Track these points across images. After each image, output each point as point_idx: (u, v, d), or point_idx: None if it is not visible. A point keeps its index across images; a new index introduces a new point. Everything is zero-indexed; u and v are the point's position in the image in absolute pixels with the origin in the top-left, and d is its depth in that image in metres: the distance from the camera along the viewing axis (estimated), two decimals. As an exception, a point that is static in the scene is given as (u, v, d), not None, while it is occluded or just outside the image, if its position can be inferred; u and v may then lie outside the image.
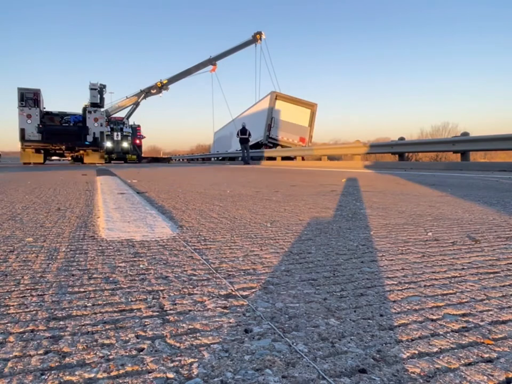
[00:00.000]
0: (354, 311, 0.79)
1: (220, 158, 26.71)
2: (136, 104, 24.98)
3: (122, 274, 1.04)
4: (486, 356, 0.62)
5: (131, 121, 26.29)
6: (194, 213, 2.15)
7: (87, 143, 18.29)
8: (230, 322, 0.74)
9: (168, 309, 0.80)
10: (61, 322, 0.74)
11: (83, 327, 0.72)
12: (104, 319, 0.75)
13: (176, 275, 1.03)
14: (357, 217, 2.01)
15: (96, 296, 0.87)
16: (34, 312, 0.78)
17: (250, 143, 23.52)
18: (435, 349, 0.64)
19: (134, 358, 0.61)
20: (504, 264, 1.13)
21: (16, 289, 0.92)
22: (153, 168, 11.21)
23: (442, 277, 1.02)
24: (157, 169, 10.21)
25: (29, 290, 0.90)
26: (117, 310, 0.80)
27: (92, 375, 0.56)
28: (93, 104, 18.83)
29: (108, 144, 22.37)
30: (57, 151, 18.80)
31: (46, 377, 0.56)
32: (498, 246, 1.37)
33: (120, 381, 0.55)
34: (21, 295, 0.87)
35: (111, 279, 0.99)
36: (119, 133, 24.81)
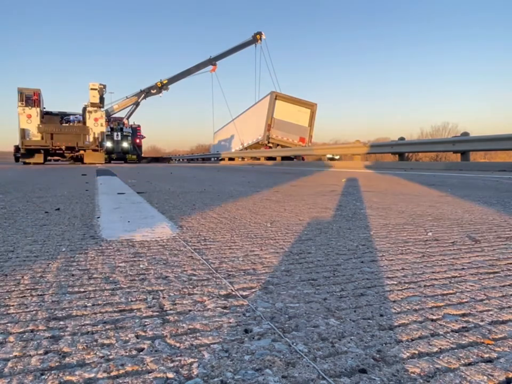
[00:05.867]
0: (354, 311, 0.79)
1: (220, 158, 26.73)
2: (136, 104, 24.99)
3: (122, 274, 1.04)
4: (486, 355, 0.62)
5: (131, 121, 26.31)
6: (194, 213, 2.15)
7: (87, 143, 18.30)
8: (230, 322, 0.74)
9: (168, 309, 0.80)
10: (61, 322, 0.74)
11: (83, 327, 0.72)
12: (104, 319, 0.75)
13: (176, 275, 1.03)
14: (357, 217, 2.01)
15: (96, 296, 0.87)
16: (34, 312, 0.78)
17: (249, 144, 23.50)
18: (435, 349, 0.64)
19: (134, 358, 0.61)
20: (504, 264, 1.13)
21: (16, 289, 0.92)
22: (153, 168, 11.21)
23: (442, 277, 1.02)
24: (157, 169, 10.21)
25: (29, 290, 0.90)
26: (117, 310, 0.80)
27: (92, 375, 0.56)
28: (93, 104, 18.84)
29: (108, 144, 22.37)
30: (57, 151, 18.80)
31: (46, 377, 0.56)
32: (498, 246, 1.37)
33: (120, 381, 0.55)
34: (21, 295, 0.87)
35: (111, 279, 0.99)
36: (119, 133, 24.82)
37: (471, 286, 0.95)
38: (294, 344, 0.65)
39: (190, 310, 0.80)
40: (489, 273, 1.05)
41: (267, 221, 1.89)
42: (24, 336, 0.68)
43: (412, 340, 0.67)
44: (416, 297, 0.87)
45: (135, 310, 0.80)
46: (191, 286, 0.94)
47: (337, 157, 15.79)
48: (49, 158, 19.47)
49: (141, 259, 1.18)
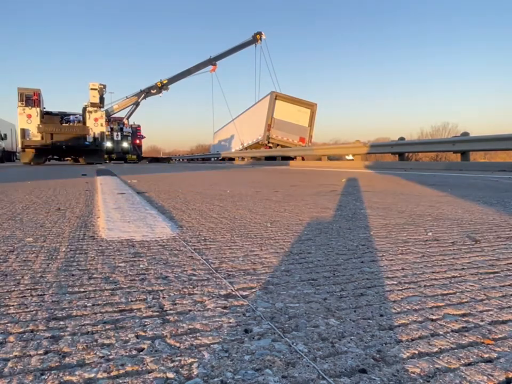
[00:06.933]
0: (354, 311, 0.79)
1: (220, 158, 26.74)
2: (136, 104, 24.98)
3: (122, 274, 1.04)
4: (486, 355, 0.62)
5: (131, 121, 26.31)
6: (194, 213, 2.15)
7: (87, 143, 18.30)
8: (230, 322, 0.74)
9: (168, 309, 0.80)
10: (61, 322, 0.74)
11: (83, 327, 0.72)
12: (104, 319, 0.75)
13: (176, 275, 1.03)
14: (357, 217, 2.01)
15: (96, 296, 0.87)
16: (34, 312, 0.78)
17: (249, 144, 23.50)
18: (435, 349, 0.64)
19: (134, 358, 0.61)
20: (504, 264, 1.13)
21: (16, 289, 0.92)
22: (153, 168, 11.21)
23: (442, 277, 1.02)
24: (156, 169, 10.21)
25: (29, 290, 0.90)
26: (117, 310, 0.80)
27: (92, 375, 0.56)
28: (93, 104, 18.83)
29: (108, 144, 22.39)
30: (57, 151, 18.80)
31: (46, 377, 0.56)
32: (498, 246, 1.37)
33: (120, 381, 0.55)
34: (21, 295, 0.87)
35: (111, 279, 0.99)
36: (119, 133, 24.84)
37: (471, 286, 0.95)
38: (294, 344, 0.65)
39: (190, 310, 0.80)
40: (489, 273, 1.05)
41: (267, 221, 1.88)
42: (24, 336, 0.68)
43: (412, 340, 0.67)
44: (416, 297, 0.87)
45: (135, 310, 0.80)
46: (191, 286, 0.94)
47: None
48: (49, 157, 19.46)
49: (141, 259, 1.18)
